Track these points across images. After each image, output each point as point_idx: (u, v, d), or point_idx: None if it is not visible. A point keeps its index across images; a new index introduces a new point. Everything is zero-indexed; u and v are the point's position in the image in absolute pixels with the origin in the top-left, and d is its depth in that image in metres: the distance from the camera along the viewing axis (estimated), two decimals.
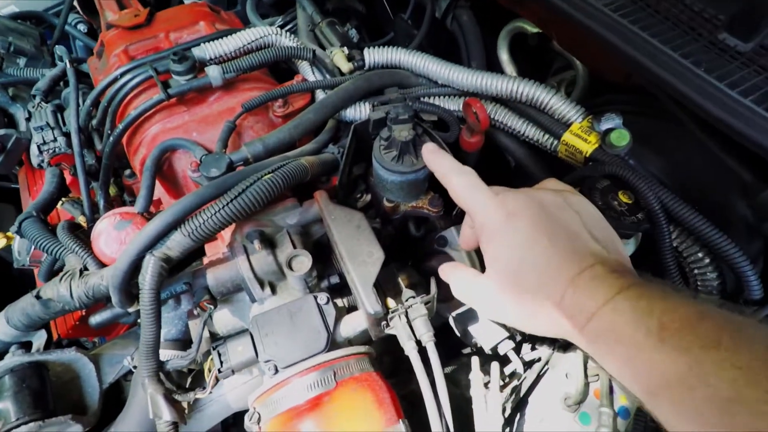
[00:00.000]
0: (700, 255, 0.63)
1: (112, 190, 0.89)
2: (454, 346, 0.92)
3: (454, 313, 0.79)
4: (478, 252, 0.82)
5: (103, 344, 0.77)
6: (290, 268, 0.63)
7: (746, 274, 0.60)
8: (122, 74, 0.77)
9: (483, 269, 0.53)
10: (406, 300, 0.62)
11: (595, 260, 0.44)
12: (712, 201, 0.66)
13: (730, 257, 0.59)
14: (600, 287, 0.42)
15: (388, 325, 0.61)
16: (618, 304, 0.40)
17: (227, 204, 0.58)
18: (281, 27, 0.99)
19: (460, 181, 0.52)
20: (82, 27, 1.13)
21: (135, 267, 0.57)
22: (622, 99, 0.82)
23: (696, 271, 0.66)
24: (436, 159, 0.56)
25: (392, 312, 0.61)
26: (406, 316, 0.61)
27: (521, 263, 0.46)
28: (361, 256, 0.62)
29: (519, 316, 0.48)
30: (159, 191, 0.77)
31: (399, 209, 0.78)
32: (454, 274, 0.56)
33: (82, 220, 0.79)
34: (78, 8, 1.10)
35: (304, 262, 0.63)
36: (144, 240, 0.56)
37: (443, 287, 0.74)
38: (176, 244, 0.57)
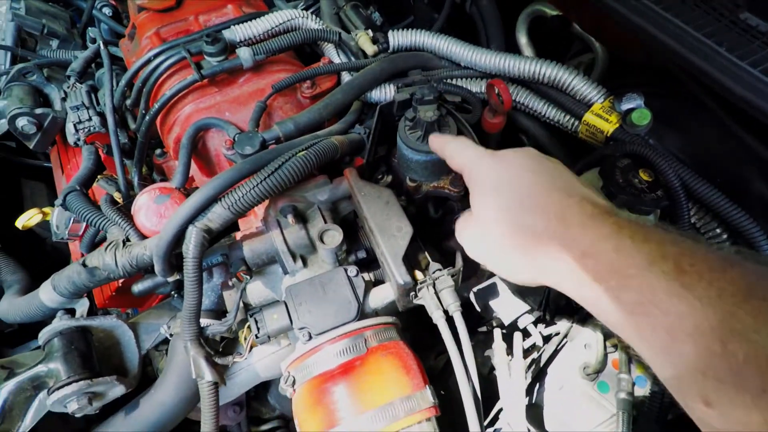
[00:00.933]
0: (718, 231, 0.65)
1: (143, 170, 0.92)
2: (470, 324, 0.95)
3: (474, 289, 0.82)
4: None
5: (139, 314, 0.80)
6: (322, 241, 0.66)
7: (764, 250, 0.62)
8: (156, 55, 0.80)
9: None
10: (434, 272, 0.65)
11: (583, 197, 0.42)
12: (731, 179, 0.68)
13: (748, 232, 0.61)
14: (592, 222, 0.38)
15: (416, 295, 0.64)
16: (621, 243, 0.36)
17: (265, 179, 0.60)
18: (304, 10, 1.01)
19: (454, 145, 0.55)
20: (107, 11, 1.16)
21: (178, 238, 0.60)
22: (641, 80, 0.84)
23: (716, 241, 0.68)
24: (436, 139, 0.61)
25: (420, 283, 0.64)
26: (434, 287, 0.64)
27: (505, 199, 0.45)
28: (390, 230, 0.64)
29: (502, 258, 0.47)
30: (192, 169, 0.80)
31: (421, 189, 0.80)
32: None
33: (117, 196, 0.82)
34: None
35: (335, 236, 0.66)
36: (187, 212, 0.59)
37: (467, 264, 0.77)
38: (217, 216, 0.60)
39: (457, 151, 0.54)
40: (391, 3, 1.19)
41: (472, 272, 0.88)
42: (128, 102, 0.85)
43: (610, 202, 0.45)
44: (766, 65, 0.59)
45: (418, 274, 0.66)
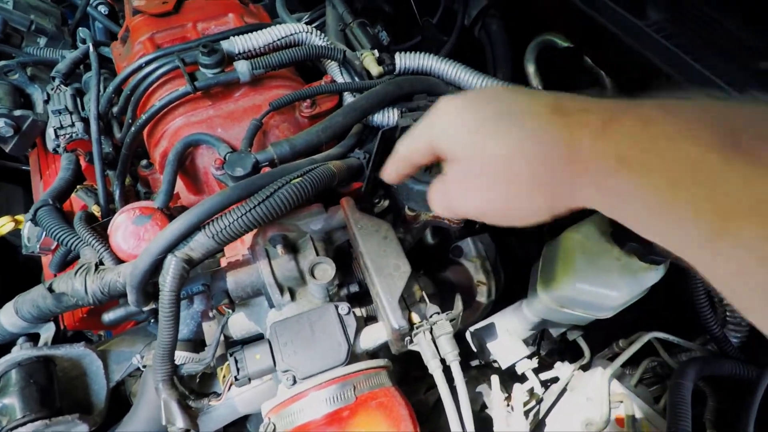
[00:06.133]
0: None
1: (126, 180, 0.87)
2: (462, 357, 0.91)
3: (471, 329, 0.78)
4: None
5: (111, 339, 0.74)
6: (313, 275, 0.61)
7: None
8: (147, 63, 0.75)
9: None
10: (431, 316, 0.61)
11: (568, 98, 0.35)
12: None
13: None
14: (591, 103, 0.32)
15: (411, 340, 0.60)
16: (649, 114, 0.29)
17: (255, 207, 0.56)
18: (308, 23, 0.97)
19: (399, 146, 0.49)
20: (102, 8, 1.11)
21: (155, 267, 0.55)
22: None
23: (725, 301, 0.65)
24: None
25: (417, 327, 0.59)
26: (431, 332, 0.59)
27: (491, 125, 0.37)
28: (387, 269, 0.60)
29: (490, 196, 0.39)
30: (178, 186, 0.75)
31: (420, 218, 0.76)
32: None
33: (95, 209, 0.77)
34: None
35: (327, 270, 0.62)
36: (167, 240, 0.54)
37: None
38: (199, 245, 0.55)
39: (401, 143, 0.47)
40: (399, 22, 1.16)
41: (466, 305, 0.84)
42: (115, 109, 0.80)
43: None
44: None
45: (415, 317, 0.61)
